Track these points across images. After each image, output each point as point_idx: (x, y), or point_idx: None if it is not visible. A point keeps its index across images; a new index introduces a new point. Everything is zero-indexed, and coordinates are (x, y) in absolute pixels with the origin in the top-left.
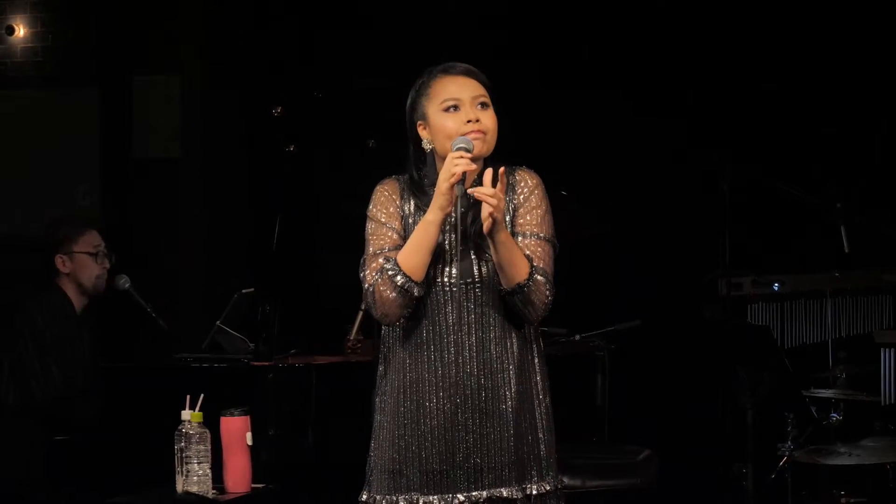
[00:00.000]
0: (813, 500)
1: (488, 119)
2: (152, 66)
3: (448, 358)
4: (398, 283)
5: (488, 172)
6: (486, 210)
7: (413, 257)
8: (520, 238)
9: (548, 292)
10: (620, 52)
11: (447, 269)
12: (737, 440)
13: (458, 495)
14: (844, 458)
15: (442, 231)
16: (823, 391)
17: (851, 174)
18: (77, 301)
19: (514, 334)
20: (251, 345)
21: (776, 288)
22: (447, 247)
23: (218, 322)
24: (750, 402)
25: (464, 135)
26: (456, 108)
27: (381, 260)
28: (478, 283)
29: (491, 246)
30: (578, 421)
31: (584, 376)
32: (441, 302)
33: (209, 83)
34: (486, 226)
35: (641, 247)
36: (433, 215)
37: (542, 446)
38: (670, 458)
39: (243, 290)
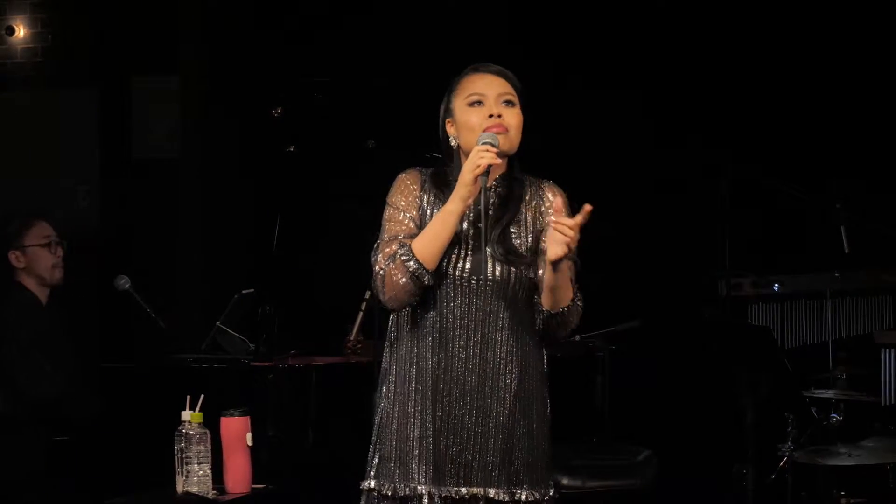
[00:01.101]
0: (813, 501)
1: (512, 117)
2: (151, 67)
3: (451, 351)
4: (410, 269)
5: (559, 199)
6: (561, 240)
7: (428, 245)
8: None
9: (580, 312)
10: (620, 53)
11: (460, 263)
12: (737, 441)
13: (450, 488)
14: (844, 458)
15: (461, 224)
16: (823, 392)
17: (851, 174)
18: (39, 293)
19: (521, 339)
20: (251, 345)
21: (776, 288)
22: (463, 240)
23: (218, 322)
24: (750, 403)
25: (486, 129)
26: (480, 102)
27: (394, 245)
28: (490, 282)
29: (549, 270)
30: (578, 421)
31: (584, 377)
32: (451, 295)
33: (209, 83)
34: (553, 253)
35: (641, 247)
36: (454, 205)
37: (535, 453)
38: (670, 459)
39: (243, 291)
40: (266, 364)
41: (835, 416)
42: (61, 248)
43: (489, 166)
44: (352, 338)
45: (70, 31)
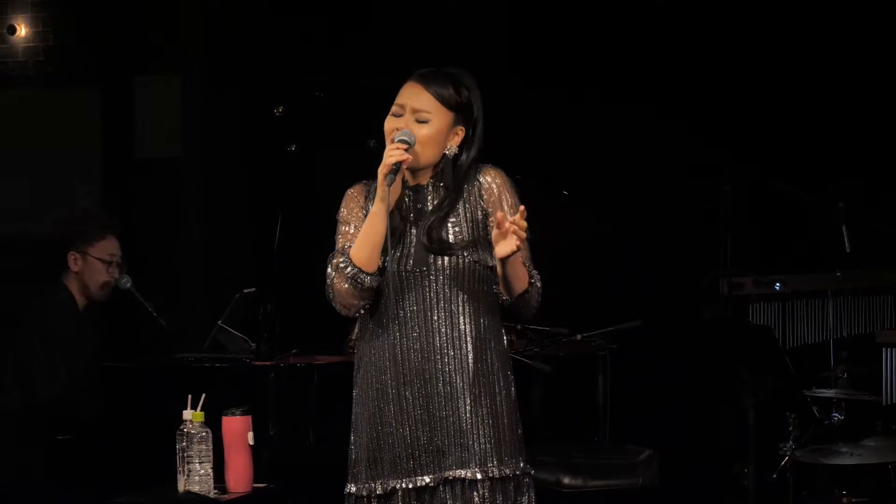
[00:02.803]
0: (814, 500)
1: (421, 132)
2: (153, 66)
3: (406, 345)
4: (348, 274)
5: (500, 213)
6: (510, 240)
7: (361, 249)
8: None
9: (539, 292)
10: (620, 53)
11: (404, 259)
12: (738, 440)
13: (425, 477)
14: (846, 457)
15: (401, 222)
16: (825, 391)
17: (853, 174)
18: (80, 300)
19: (475, 321)
20: (252, 344)
21: (778, 287)
22: (406, 236)
23: (219, 322)
24: (751, 402)
25: (391, 140)
26: (400, 115)
27: (339, 256)
28: (433, 272)
29: (500, 265)
30: (580, 421)
31: (585, 376)
32: (400, 291)
33: (210, 83)
34: (503, 252)
35: (642, 246)
36: (375, 207)
37: (503, 431)
38: (672, 458)
39: (245, 290)
40: (267, 363)
41: (836, 416)
42: (118, 271)
43: (398, 164)
44: (353, 337)
45: (72, 31)
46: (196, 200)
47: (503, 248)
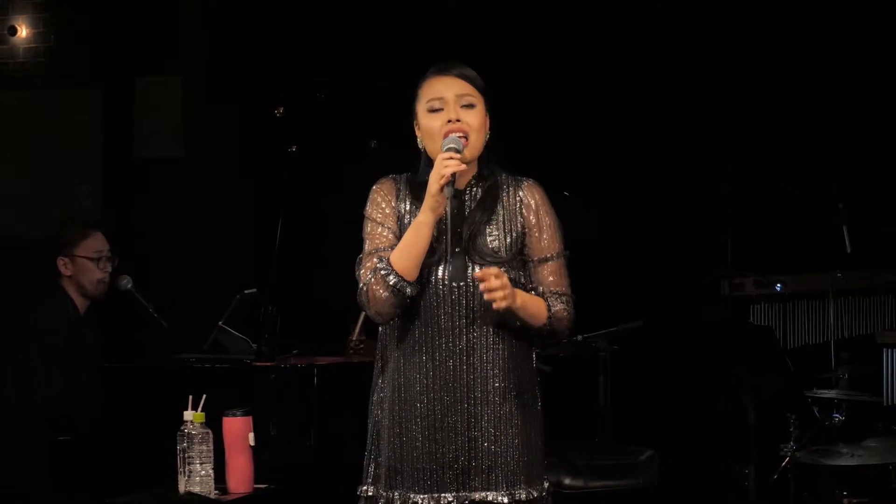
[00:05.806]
0: (815, 501)
1: (471, 118)
2: (154, 67)
3: (438, 360)
4: (390, 283)
5: (479, 273)
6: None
7: (405, 258)
8: (536, 263)
9: (567, 314)
10: (621, 53)
11: (440, 270)
12: (739, 441)
13: (447, 495)
14: (847, 458)
15: (438, 231)
16: (826, 392)
17: (853, 174)
18: (79, 302)
19: (505, 339)
20: (253, 345)
21: (778, 288)
22: (442, 247)
23: (220, 322)
24: (752, 403)
25: (445, 134)
26: (441, 109)
27: (375, 259)
28: (469, 286)
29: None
30: (580, 421)
31: (586, 377)
32: (434, 304)
33: (211, 83)
34: (496, 306)
35: (643, 247)
36: (424, 216)
37: (530, 453)
38: (672, 459)
39: (245, 291)
40: (268, 364)
41: (837, 416)
42: (110, 265)
43: (454, 174)
44: (354, 337)
45: (72, 31)
46: (196, 201)
47: (495, 304)
